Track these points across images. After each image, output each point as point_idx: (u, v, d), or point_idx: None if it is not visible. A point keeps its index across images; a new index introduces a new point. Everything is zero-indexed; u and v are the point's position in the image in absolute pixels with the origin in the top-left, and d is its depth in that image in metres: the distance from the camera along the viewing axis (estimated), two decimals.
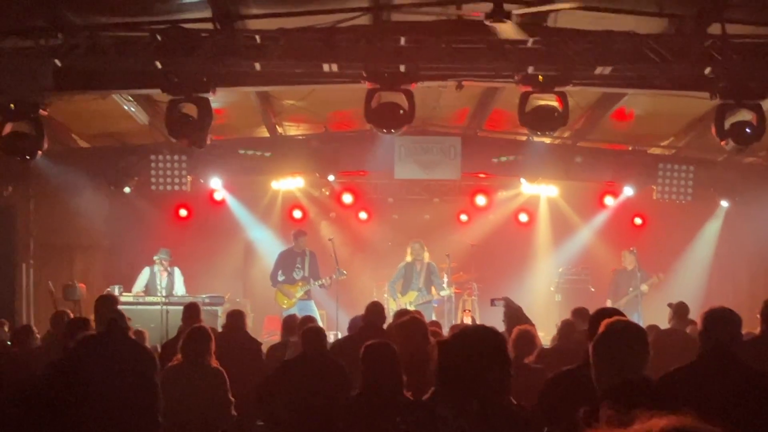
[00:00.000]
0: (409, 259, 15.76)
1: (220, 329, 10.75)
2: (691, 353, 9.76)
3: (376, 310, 9.72)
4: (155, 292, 14.88)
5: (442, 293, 15.52)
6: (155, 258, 15.29)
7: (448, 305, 15.51)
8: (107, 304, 6.88)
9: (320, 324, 10.29)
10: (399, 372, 6.18)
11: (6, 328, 11.46)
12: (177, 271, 15.42)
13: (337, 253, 15.27)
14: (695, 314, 12.93)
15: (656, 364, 4.35)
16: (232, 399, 7.88)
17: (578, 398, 3.98)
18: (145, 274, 15.30)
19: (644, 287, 15.59)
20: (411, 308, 14.21)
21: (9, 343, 10.61)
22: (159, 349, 10.39)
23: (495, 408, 3.87)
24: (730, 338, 5.33)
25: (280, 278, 15.61)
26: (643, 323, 13.12)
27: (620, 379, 3.92)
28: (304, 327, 8.49)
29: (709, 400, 4.97)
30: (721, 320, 5.41)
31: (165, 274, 15.09)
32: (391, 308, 14.67)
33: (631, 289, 15.76)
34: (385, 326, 9.60)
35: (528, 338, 8.01)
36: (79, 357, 6.21)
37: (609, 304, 15.50)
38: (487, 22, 9.52)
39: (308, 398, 7.29)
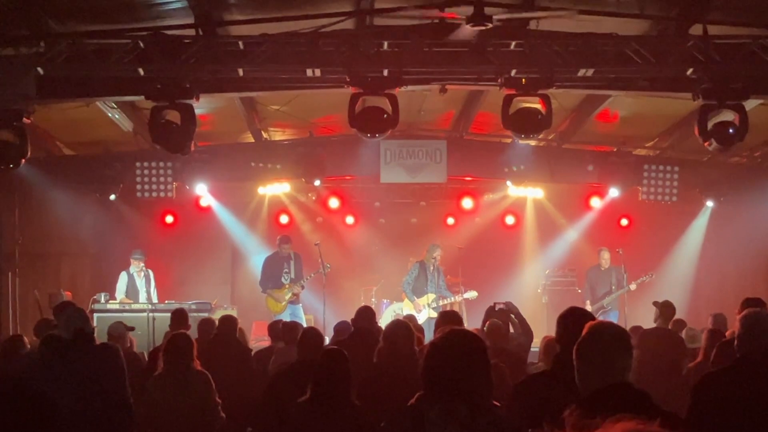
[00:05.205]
0: (426, 259, 15.48)
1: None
2: (676, 351, 9.82)
3: (366, 314, 9.62)
4: (136, 295, 14.88)
5: (467, 296, 15.39)
6: (132, 259, 15.31)
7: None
8: (71, 311, 6.80)
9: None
10: (349, 379, 6.25)
11: None
12: (151, 275, 15.41)
13: (323, 257, 15.29)
14: (681, 313, 13.08)
15: (642, 362, 4.32)
16: (219, 400, 7.86)
17: (549, 402, 3.97)
18: (123, 278, 15.30)
19: (633, 285, 15.56)
20: (428, 310, 14.24)
21: None
22: (146, 356, 10.38)
23: (483, 412, 3.85)
24: None
25: (269, 284, 15.59)
26: (626, 324, 13.16)
27: (604, 383, 3.89)
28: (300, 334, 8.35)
29: (750, 404, 4.97)
30: (760, 324, 5.35)
31: (142, 275, 15.11)
32: (406, 309, 14.51)
33: (614, 287, 15.79)
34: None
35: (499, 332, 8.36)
36: (45, 368, 6.15)
37: (588, 305, 15.57)
38: (468, 26, 9.53)
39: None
